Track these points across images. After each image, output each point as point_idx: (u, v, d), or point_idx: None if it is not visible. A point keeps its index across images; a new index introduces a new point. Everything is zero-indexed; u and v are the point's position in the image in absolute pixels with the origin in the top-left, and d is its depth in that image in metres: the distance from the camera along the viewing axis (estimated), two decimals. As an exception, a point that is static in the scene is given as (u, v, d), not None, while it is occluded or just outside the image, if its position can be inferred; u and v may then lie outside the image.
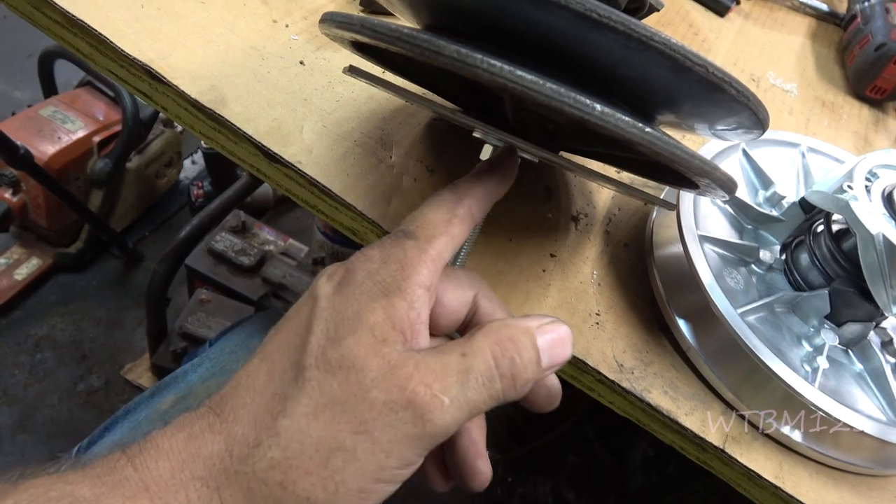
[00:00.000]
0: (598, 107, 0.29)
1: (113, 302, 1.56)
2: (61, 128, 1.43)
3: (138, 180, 1.58)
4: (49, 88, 1.59)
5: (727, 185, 0.35)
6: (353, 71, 0.38)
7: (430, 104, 0.39)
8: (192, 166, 1.85)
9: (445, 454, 0.33)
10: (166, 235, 1.69)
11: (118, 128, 1.48)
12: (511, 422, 1.49)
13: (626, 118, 0.29)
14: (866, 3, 0.87)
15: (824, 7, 0.94)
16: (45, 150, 1.39)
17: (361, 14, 0.60)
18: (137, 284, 1.59)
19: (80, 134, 1.44)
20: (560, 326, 0.31)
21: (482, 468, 0.32)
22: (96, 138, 1.46)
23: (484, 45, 0.34)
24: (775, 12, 0.92)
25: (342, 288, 0.29)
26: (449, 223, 0.32)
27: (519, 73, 0.29)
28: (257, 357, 0.29)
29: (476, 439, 0.33)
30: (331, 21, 0.36)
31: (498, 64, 0.29)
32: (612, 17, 0.28)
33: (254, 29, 0.55)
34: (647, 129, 0.29)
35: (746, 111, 0.34)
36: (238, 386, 0.28)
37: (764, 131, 0.37)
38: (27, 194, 1.43)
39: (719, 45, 0.80)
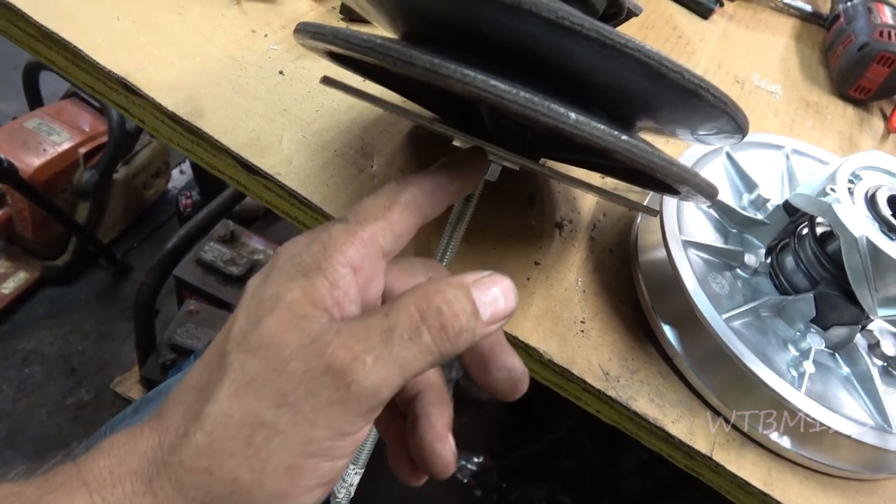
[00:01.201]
0: (572, 115, 0.28)
1: (101, 314, 1.55)
2: (47, 140, 1.42)
3: (125, 191, 1.57)
4: (34, 100, 1.58)
5: (707, 191, 0.35)
6: (328, 82, 0.38)
7: (408, 114, 0.39)
8: (180, 176, 1.84)
9: (407, 440, 0.32)
10: (155, 246, 1.68)
11: (104, 139, 1.47)
12: (504, 428, 1.48)
13: (602, 126, 0.29)
14: (849, 4, 0.87)
15: (808, 8, 0.94)
16: (31, 162, 1.38)
17: (336, 24, 0.59)
18: (126, 296, 1.58)
19: (66, 146, 1.43)
20: (499, 277, 0.29)
21: (441, 451, 0.31)
22: (82, 150, 1.45)
23: (460, 54, 0.33)
24: (759, 14, 0.92)
25: (266, 276, 0.28)
26: (387, 209, 0.31)
27: (492, 82, 0.28)
28: (199, 359, 0.28)
29: (435, 421, 0.31)
30: (304, 31, 0.36)
31: (471, 73, 0.28)
32: (584, 25, 0.28)
33: (232, 39, 0.55)
34: (623, 137, 0.29)
35: (725, 116, 0.33)
36: (177, 387, 0.27)
37: (744, 136, 0.37)
38: (12, 207, 1.42)
39: (703, 47, 0.80)
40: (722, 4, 0.87)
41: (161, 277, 1.28)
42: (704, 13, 0.85)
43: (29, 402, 1.39)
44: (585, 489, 1.39)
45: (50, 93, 1.61)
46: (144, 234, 1.70)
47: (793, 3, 0.94)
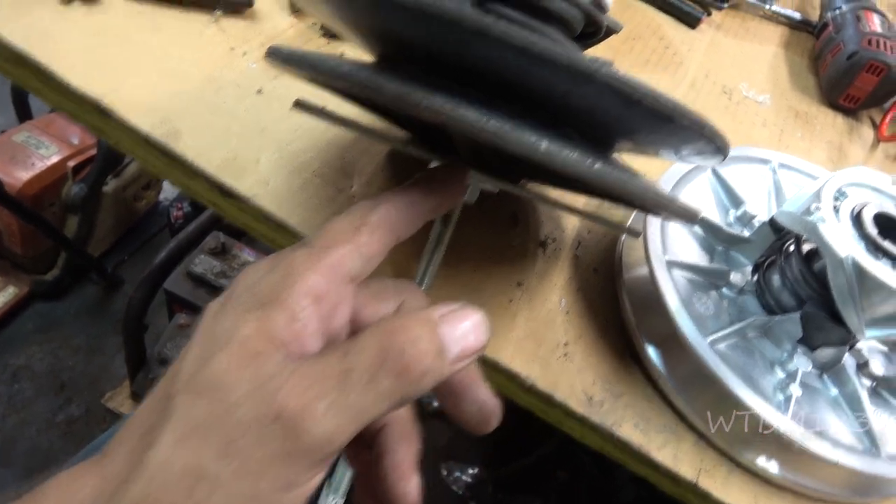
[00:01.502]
0: (543, 144, 0.27)
1: (92, 328, 1.54)
2: (35, 153, 1.41)
3: (116, 204, 1.56)
4: (23, 113, 1.57)
5: (685, 216, 0.34)
6: (299, 106, 0.37)
7: (383, 138, 0.38)
8: (171, 187, 1.82)
9: (371, 476, 0.31)
10: (146, 258, 1.66)
11: (93, 152, 1.46)
12: (499, 438, 1.47)
13: (574, 155, 0.28)
14: (837, 11, 0.87)
15: (797, 15, 0.94)
16: (19, 176, 1.37)
17: (317, 41, 0.59)
18: (117, 310, 1.57)
19: (55, 159, 1.42)
20: (469, 311, 0.27)
21: (405, 491, 0.29)
22: (71, 163, 1.44)
23: (433, 78, 0.33)
24: (747, 22, 0.91)
25: (223, 305, 0.27)
26: (356, 231, 0.29)
27: (460, 110, 0.27)
28: (149, 393, 0.27)
29: (400, 460, 0.30)
30: (275, 55, 0.35)
31: (438, 101, 0.27)
32: (552, 52, 0.27)
33: (210, 57, 0.54)
34: (596, 166, 0.28)
35: (703, 139, 0.33)
36: (126, 425, 0.26)
37: (725, 157, 0.36)
38: (0, 222, 1.41)
39: (691, 57, 0.79)
40: (709, 13, 0.87)
41: (150, 291, 1.27)
42: (692, 22, 0.84)
43: (19, 419, 1.38)
44: (581, 499, 1.38)
45: (39, 106, 1.60)
46: (136, 247, 1.69)
47: (781, 11, 0.93)
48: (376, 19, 0.34)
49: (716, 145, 0.33)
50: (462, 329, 0.27)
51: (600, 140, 0.36)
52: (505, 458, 1.45)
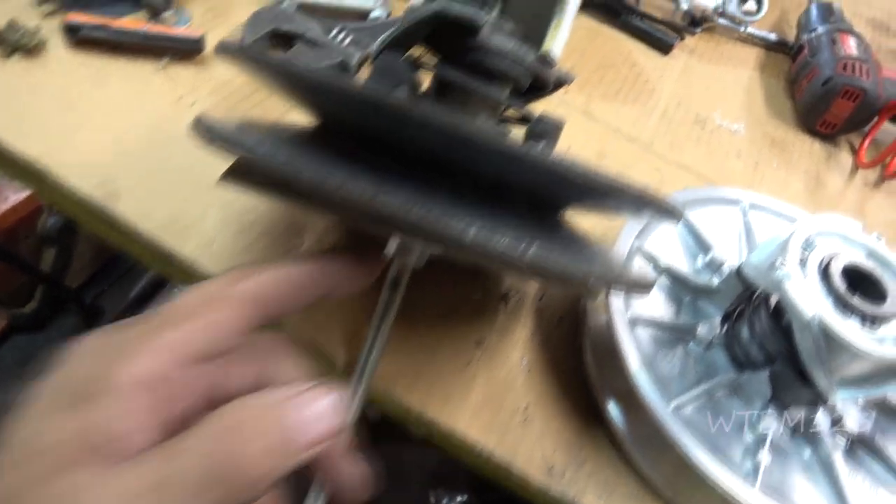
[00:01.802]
0: (471, 231, 0.25)
1: (72, 361, 1.51)
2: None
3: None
4: (-2, 144, 1.55)
5: (637, 289, 0.32)
6: (229, 177, 0.35)
7: (319, 208, 0.36)
8: (152, 214, 1.80)
9: None
10: (127, 288, 1.64)
11: (69, 182, 1.44)
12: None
13: (505, 241, 0.26)
14: (813, 34, 0.85)
15: (772, 37, 0.92)
16: (-8, 210, 1.34)
17: (257, 95, 0.56)
18: (97, 341, 1.54)
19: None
20: (321, 391, 0.24)
21: None
22: (46, 195, 1.42)
23: (369, 152, 0.31)
24: (722, 45, 0.90)
25: (35, 401, 0.23)
26: (209, 305, 0.26)
27: (381, 197, 0.25)
28: None
29: None
30: (198, 127, 0.33)
31: (358, 188, 0.26)
32: (478, 135, 0.25)
33: (156, 108, 0.52)
34: (530, 252, 0.26)
35: (650, 207, 0.31)
36: None
37: (679, 219, 0.35)
38: (-26, 257, 1.39)
39: (663, 85, 0.78)
40: (683, 38, 0.85)
41: (128, 325, 1.25)
42: (664, 49, 0.83)
43: (-3, 457, 1.35)
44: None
45: (15, 136, 1.58)
46: (115, 277, 1.66)
47: (757, 33, 0.92)
48: (307, 97, 0.33)
49: (664, 213, 0.32)
50: (313, 413, 0.24)
51: (549, 209, 0.35)
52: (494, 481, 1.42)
